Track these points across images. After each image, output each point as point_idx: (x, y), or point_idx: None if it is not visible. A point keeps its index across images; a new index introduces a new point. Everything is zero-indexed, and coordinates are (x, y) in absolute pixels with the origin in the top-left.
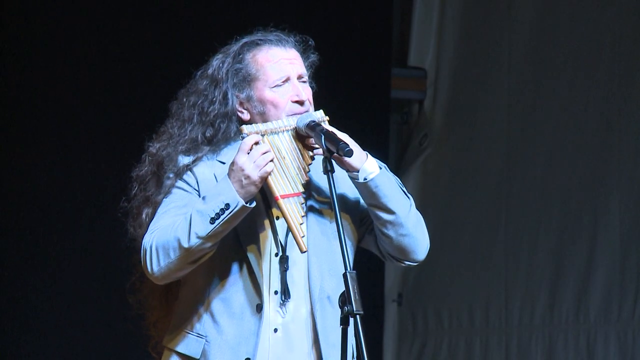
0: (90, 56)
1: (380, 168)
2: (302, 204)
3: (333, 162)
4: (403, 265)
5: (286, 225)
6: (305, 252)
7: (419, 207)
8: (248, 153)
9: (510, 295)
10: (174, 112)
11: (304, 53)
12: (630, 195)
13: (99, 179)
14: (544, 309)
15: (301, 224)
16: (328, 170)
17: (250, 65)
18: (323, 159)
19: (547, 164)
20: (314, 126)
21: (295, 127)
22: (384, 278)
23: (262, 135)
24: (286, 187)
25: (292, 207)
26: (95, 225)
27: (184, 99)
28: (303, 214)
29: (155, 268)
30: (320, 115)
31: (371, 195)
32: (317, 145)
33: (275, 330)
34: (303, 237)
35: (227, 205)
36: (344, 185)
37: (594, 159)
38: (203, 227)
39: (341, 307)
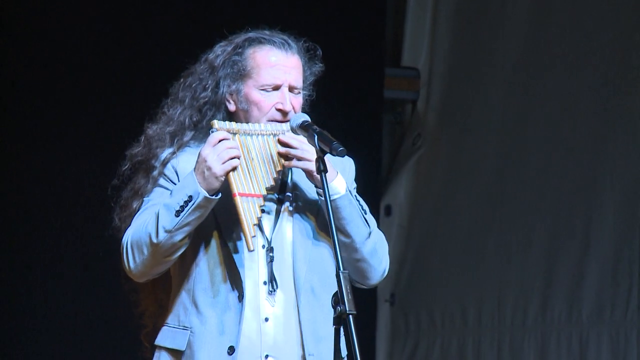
0: (89, 55)
1: (347, 191)
2: (262, 206)
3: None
4: (355, 286)
5: (272, 217)
6: (252, 251)
7: (411, 208)
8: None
9: (503, 295)
10: (171, 92)
11: (309, 61)
12: (623, 195)
13: (99, 178)
14: (537, 309)
15: (255, 224)
16: (321, 171)
17: (248, 61)
18: (316, 158)
19: (540, 165)
20: (307, 126)
21: (272, 134)
22: None
23: (234, 134)
24: (247, 186)
25: (247, 206)
26: (95, 225)
27: (182, 80)
28: (259, 215)
29: (132, 265)
30: (286, 127)
31: (331, 214)
32: (291, 154)
33: (267, 319)
34: (253, 237)
35: (190, 197)
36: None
37: (587, 159)
38: (169, 221)
39: (334, 307)
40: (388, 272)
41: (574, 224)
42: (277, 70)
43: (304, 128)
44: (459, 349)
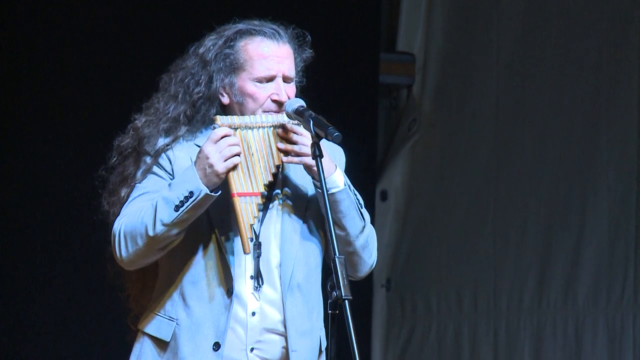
0: (85, 51)
1: (345, 185)
2: (259, 204)
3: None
4: None
5: (261, 212)
6: (247, 254)
7: (407, 193)
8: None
9: (498, 280)
10: (161, 86)
11: (299, 48)
12: (619, 179)
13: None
14: (533, 294)
15: (252, 224)
16: (317, 156)
17: (240, 54)
18: (312, 143)
19: (536, 149)
20: (302, 111)
21: (272, 126)
22: None
23: (235, 129)
24: (246, 185)
25: (246, 207)
26: (90, 223)
27: (172, 75)
28: (256, 215)
29: (123, 254)
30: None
31: (327, 201)
32: (289, 149)
33: (253, 313)
34: (251, 239)
35: (191, 193)
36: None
37: (583, 143)
38: (167, 214)
39: (330, 292)
40: (384, 257)
41: (570, 209)
42: (270, 61)
43: (299, 113)
44: (455, 334)
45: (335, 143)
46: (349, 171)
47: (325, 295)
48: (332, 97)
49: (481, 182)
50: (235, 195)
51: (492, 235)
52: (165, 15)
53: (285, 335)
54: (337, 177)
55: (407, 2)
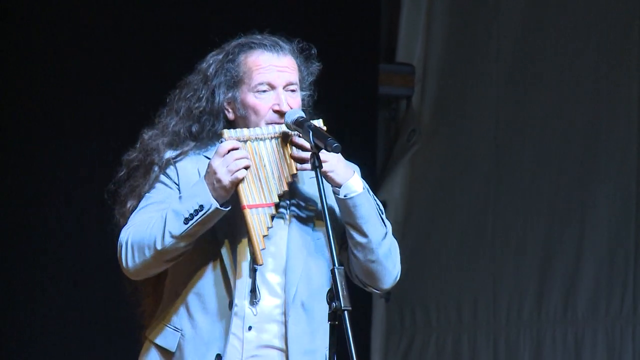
0: (84, 50)
1: (364, 189)
2: (273, 215)
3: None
4: (367, 290)
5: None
6: (261, 265)
7: (406, 205)
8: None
9: (498, 291)
10: (168, 102)
11: (305, 61)
12: (618, 190)
13: (97, 176)
14: (532, 306)
15: (265, 235)
16: (316, 167)
17: (240, 67)
18: (311, 154)
19: (535, 160)
20: (302, 122)
21: (281, 135)
22: None
23: (245, 142)
24: (258, 196)
25: (257, 218)
26: (94, 224)
27: (178, 90)
28: (270, 226)
29: (130, 264)
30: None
31: (348, 213)
32: (303, 156)
33: (250, 328)
34: (263, 249)
35: (201, 207)
36: (333, 197)
37: (582, 154)
38: (177, 227)
39: (329, 303)
40: None
41: (568, 220)
42: (268, 71)
43: (298, 124)
44: (454, 345)
45: (334, 153)
46: None
47: None
48: (331, 108)
49: (480, 193)
50: (246, 207)
51: (492, 246)
52: (166, 17)
53: (285, 352)
54: (353, 182)
55: (406, 13)
